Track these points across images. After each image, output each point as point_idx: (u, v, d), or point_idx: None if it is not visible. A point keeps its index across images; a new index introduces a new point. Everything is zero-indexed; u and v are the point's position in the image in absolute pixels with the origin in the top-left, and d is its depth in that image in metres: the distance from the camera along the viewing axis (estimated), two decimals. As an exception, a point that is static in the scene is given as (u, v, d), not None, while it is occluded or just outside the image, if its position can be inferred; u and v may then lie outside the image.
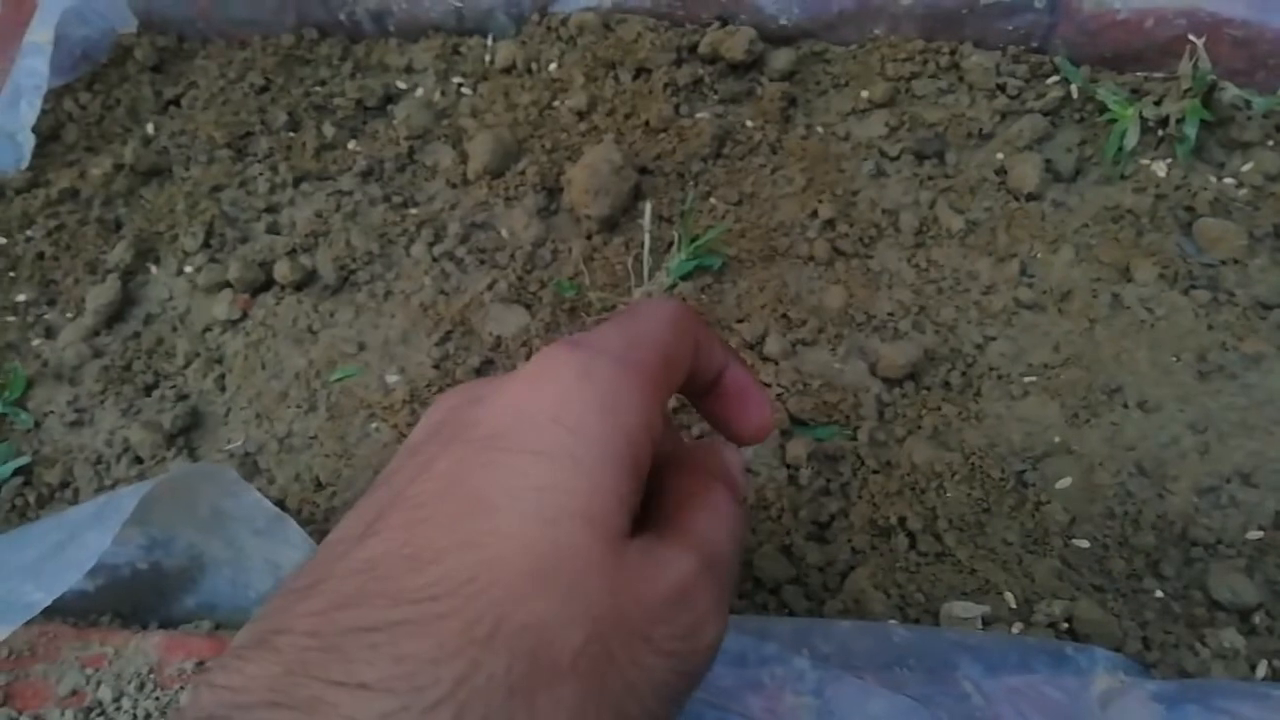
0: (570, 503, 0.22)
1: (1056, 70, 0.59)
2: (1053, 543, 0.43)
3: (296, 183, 0.61)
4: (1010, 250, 0.53)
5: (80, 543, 0.37)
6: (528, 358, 0.51)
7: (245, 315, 0.56)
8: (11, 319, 0.57)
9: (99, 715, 0.39)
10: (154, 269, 0.58)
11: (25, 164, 0.62)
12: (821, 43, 0.62)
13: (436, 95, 0.64)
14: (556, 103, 0.62)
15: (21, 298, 0.58)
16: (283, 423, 0.51)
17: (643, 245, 0.54)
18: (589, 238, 0.56)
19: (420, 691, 0.18)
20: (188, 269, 0.58)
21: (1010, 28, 0.59)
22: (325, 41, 0.67)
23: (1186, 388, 0.47)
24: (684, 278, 0.53)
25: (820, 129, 0.59)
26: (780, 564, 0.43)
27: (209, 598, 0.44)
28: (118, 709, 0.39)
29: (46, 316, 0.57)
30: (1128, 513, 0.44)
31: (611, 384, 0.24)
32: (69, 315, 0.57)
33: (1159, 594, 0.41)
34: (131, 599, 0.44)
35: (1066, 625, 0.40)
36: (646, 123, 0.59)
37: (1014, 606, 0.41)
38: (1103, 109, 0.57)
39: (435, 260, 0.56)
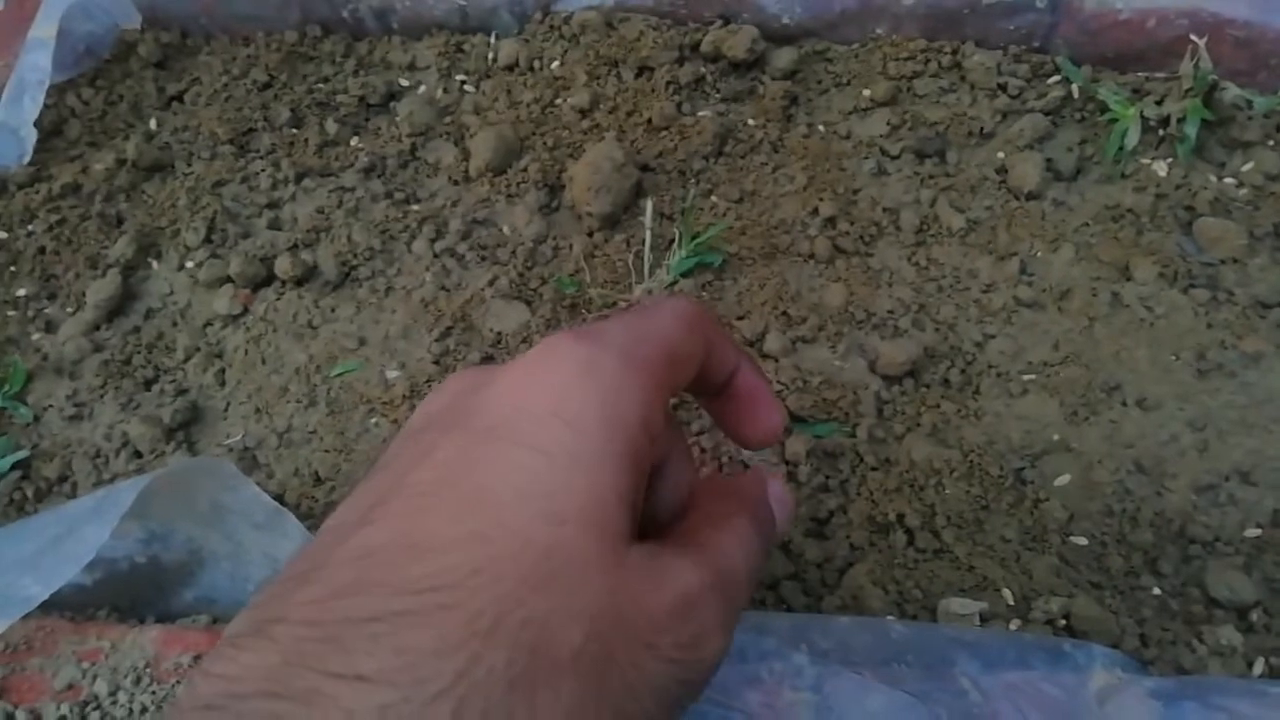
0: (570, 501, 0.21)
1: (1058, 70, 0.59)
2: (1051, 540, 0.43)
3: (298, 179, 0.61)
4: (1010, 249, 0.53)
5: (78, 536, 0.37)
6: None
7: (246, 310, 0.56)
8: (12, 313, 0.57)
9: (95, 709, 0.39)
10: (155, 264, 0.59)
11: (27, 159, 0.62)
12: (823, 42, 0.62)
13: (439, 92, 0.64)
14: (559, 100, 0.62)
15: (22, 292, 0.58)
16: (282, 417, 0.51)
17: (644, 242, 0.54)
18: (590, 235, 0.56)
19: (421, 684, 0.18)
20: (189, 264, 0.58)
21: (1012, 27, 0.59)
22: (328, 38, 0.68)
23: (1185, 386, 0.47)
24: (684, 275, 0.53)
25: (822, 127, 0.59)
26: (779, 560, 0.43)
27: (208, 592, 0.44)
28: (114, 703, 0.39)
29: (47, 310, 0.57)
30: (1126, 510, 0.44)
31: (613, 379, 0.23)
32: (69, 309, 0.57)
33: (1157, 591, 0.41)
34: (129, 593, 0.44)
35: (1064, 622, 0.40)
36: (648, 121, 0.59)
37: (1012, 603, 0.41)
38: (1104, 108, 0.57)
39: (436, 256, 0.56)
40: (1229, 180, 0.54)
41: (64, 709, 0.39)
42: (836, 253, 0.54)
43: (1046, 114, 0.57)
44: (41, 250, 0.59)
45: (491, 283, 0.54)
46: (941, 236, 0.54)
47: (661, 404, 0.25)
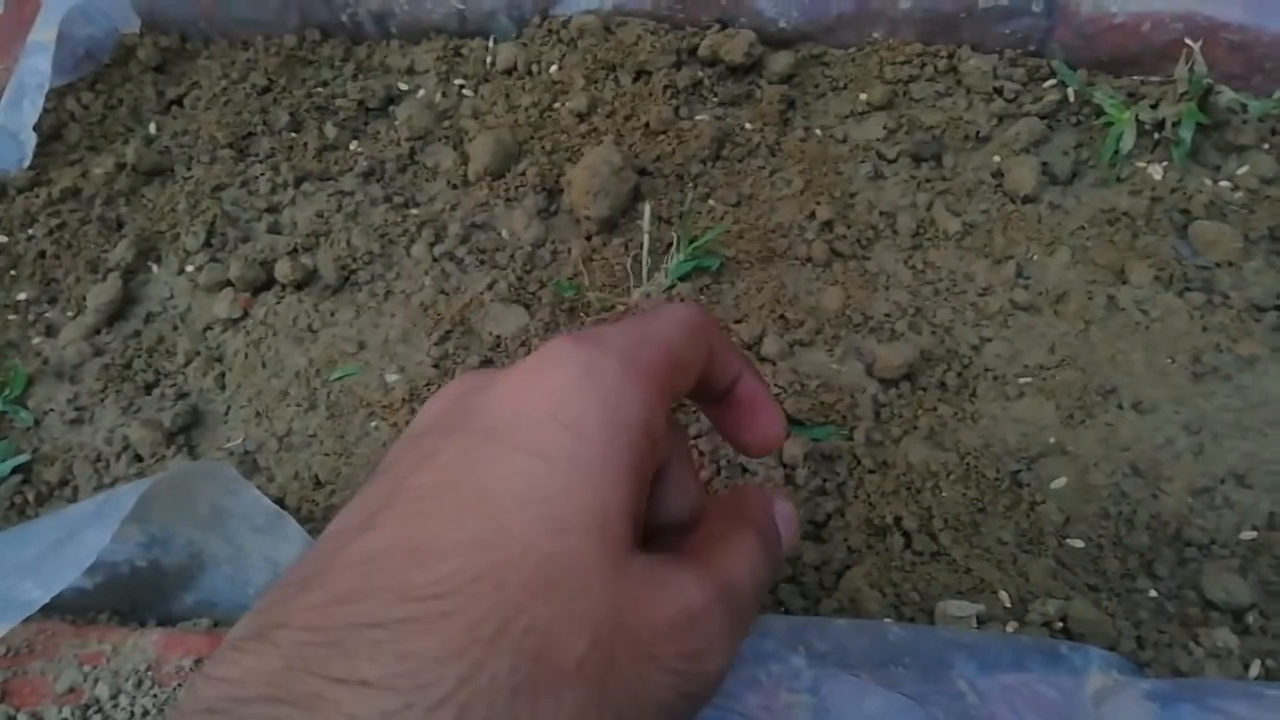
0: (570, 507, 0.21)
1: (1053, 74, 0.59)
2: (1047, 542, 0.43)
3: (298, 183, 0.61)
4: (1006, 252, 0.53)
5: (79, 540, 0.37)
6: (526, 357, 0.51)
7: (246, 314, 0.56)
8: (13, 317, 0.57)
9: (96, 712, 0.39)
10: (155, 268, 0.59)
11: (27, 163, 0.62)
12: (820, 46, 0.62)
13: (438, 96, 0.64)
14: (557, 104, 0.62)
15: (23, 296, 0.58)
16: (282, 421, 0.52)
17: (642, 246, 0.54)
18: (588, 238, 0.56)
19: (424, 690, 0.18)
20: (189, 268, 0.58)
21: (1008, 31, 0.60)
22: (327, 42, 0.68)
23: (1181, 389, 0.48)
24: (682, 278, 0.53)
25: (819, 131, 0.60)
26: (777, 563, 0.43)
27: (208, 595, 0.44)
28: (115, 706, 0.39)
29: (47, 315, 0.57)
30: (1122, 513, 0.44)
31: (614, 383, 0.23)
32: (70, 313, 0.57)
33: (1153, 593, 0.42)
34: (130, 597, 0.44)
35: (1061, 624, 0.40)
36: (646, 125, 0.60)
37: (1009, 605, 0.41)
38: (1099, 112, 0.57)
39: (435, 260, 0.56)
40: (1224, 184, 0.54)
41: (65, 712, 0.39)
42: (833, 256, 0.54)
43: (1042, 118, 0.57)
44: (42, 254, 0.59)
45: (490, 286, 0.54)
46: (938, 240, 0.54)
47: (663, 409, 0.25)
